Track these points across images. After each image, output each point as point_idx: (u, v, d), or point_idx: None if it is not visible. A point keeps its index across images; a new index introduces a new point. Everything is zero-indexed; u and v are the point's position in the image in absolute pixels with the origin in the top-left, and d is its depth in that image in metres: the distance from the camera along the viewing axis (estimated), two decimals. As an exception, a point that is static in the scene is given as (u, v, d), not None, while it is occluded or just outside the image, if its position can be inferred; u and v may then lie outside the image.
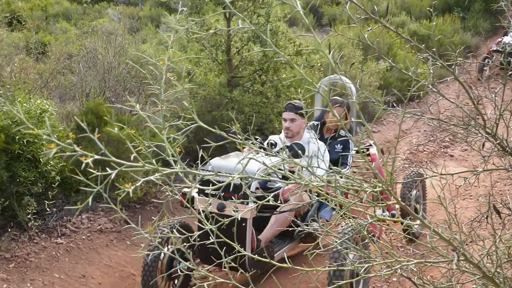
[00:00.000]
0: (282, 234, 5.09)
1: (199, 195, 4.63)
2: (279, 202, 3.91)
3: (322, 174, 4.84)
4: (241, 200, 4.07)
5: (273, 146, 5.20)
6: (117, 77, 7.68)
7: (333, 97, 6.35)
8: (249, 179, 3.78)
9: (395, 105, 2.86)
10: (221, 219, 3.99)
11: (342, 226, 4.33)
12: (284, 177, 4.65)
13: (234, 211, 4.17)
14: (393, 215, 5.63)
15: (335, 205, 2.36)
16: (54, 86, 8.56)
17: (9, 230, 5.88)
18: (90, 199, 1.46)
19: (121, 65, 7.84)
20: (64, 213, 6.40)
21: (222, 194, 4.26)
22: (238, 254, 3.75)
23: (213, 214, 3.88)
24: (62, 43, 11.08)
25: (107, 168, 1.50)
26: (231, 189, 3.78)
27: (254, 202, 3.94)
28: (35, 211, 5.94)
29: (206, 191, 4.49)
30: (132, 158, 1.54)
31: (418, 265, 2.51)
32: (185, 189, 4.48)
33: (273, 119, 8.77)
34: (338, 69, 2.00)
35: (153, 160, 1.74)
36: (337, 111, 5.94)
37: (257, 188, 4.61)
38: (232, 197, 4.11)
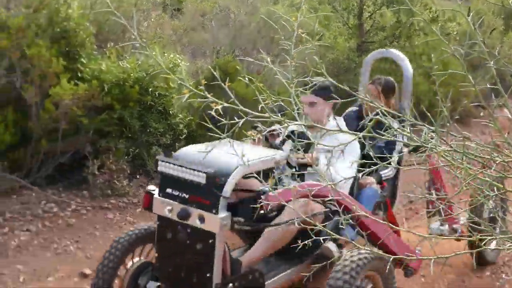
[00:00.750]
0: (286, 254, 3.63)
1: (159, 195, 3.26)
2: (263, 211, 2.97)
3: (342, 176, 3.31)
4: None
5: (277, 135, 3.89)
6: (247, 36, 7.78)
7: (377, 76, 4.77)
8: (223, 178, 2.95)
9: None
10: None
11: (345, 257, 3.20)
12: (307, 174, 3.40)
13: (199, 221, 3.03)
14: (454, 230, 4.29)
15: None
16: (187, 42, 8.84)
17: (138, 177, 6.22)
18: (216, 144, 1.49)
19: (252, 24, 7.92)
20: (189, 165, 6.66)
21: (187, 196, 3.07)
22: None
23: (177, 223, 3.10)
24: (197, 1, 11.36)
25: (234, 117, 1.53)
26: (197, 190, 2.96)
27: (229, 210, 3.03)
28: (163, 161, 6.24)
29: (167, 191, 3.18)
30: (259, 108, 1.55)
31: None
32: (150, 187, 3.38)
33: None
34: (477, 36, 1.88)
35: (279, 114, 1.75)
36: (370, 89, 4.57)
37: (238, 190, 3.29)
38: (200, 201, 3.03)
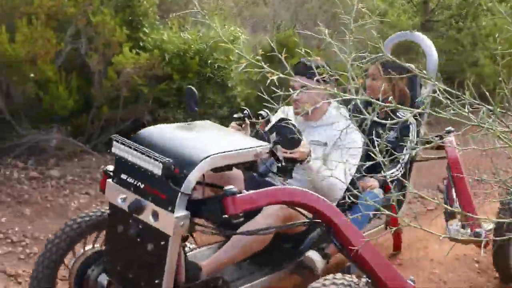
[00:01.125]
0: (262, 258, 3.14)
1: (113, 180, 2.73)
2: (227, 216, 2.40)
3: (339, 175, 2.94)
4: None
5: (266, 122, 3.24)
6: (309, 11, 7.73)
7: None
8: (185, 170, 2.42)
9: None
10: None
11: (327, 278, 2.58)
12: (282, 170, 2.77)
13: (153, 217, 2.49)
14: (477, 235, 3.55)
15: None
16: (248, 16, 8.85)
17: (194, 147, 6.31)
18: (271, 115, 1.52)
19: (314, -1, 7.87)
20: (244, 138, 6.72)
21: (142, 186, 2.54)
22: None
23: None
24: (260, -26, 11.32)
25: (289, 89, 1.55)
26: (152, 181, 2.47)
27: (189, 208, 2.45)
28: (219, 133, 6.31)
29: (122, 177, 2.65)
30: (314, 80, 1.56)
31: None
32: (109, 167, 2.81)
33: (466, 68, 8.31)
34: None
35: (335, 88, 1.76)
36: (372, 70, 3.92)
37: (208, 185, 2.76)
38: (156, 194, 2.49)
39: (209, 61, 6.07)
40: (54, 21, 5.44)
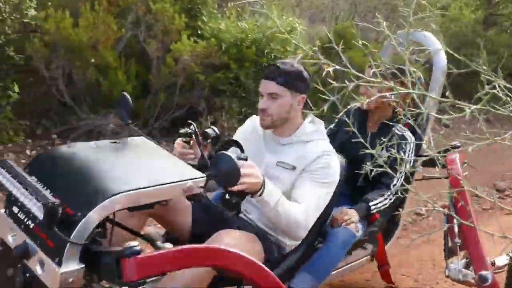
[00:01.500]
0: None
1: (5, 211, 2.06)
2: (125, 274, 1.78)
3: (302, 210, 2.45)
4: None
5: (208, 139, 2.54)
6: (368, 3, 7.65)
7: None
8: (79, 212, 1.78)
9: None
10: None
11: None
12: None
13: (40, 267, 1.84)
14: (482, 279, 2.90)
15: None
16: (306, 7, 8.82)
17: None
18: (326, 107, 1.52)
19: (374, -10, 7.78)
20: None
21: (31, 226, 1.89)
22: None
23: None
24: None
25: (345, 81, 1.54)
26: (40, 222, 1.84)
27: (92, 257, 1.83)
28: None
29: (13, 210, 1.99)
30: (371, 73, 1.55)
31: None
32: None
33: (529, 65, 8.06)
34: None
35: (391, 82, 1.74)
36: (368, 74, 2.76)
37: (113, 226, 1.97)
38: (44, 239, 1.85)
39: (266, 51, 6.09)
40: (116, 8, 5.56)
